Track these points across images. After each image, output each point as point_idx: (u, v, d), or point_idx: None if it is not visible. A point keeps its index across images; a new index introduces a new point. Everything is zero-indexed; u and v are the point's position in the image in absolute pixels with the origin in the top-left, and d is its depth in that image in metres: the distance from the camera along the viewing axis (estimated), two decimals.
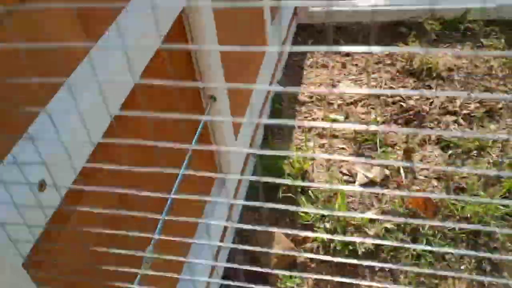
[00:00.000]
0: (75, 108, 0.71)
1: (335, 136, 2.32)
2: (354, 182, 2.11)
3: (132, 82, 0.91)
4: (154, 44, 1.03)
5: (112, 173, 0.81)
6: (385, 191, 1.40)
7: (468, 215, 1.91)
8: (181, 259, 0.87)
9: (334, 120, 2.39)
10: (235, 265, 0.69)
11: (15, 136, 0.74)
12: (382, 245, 1.86)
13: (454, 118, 2.32)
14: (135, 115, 0.67)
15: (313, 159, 2.21)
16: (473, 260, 1.82)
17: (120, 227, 0.71)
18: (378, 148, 2.21)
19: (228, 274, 1.85)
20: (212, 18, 1.50)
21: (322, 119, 2.40)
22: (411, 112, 2.33)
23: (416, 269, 0.84)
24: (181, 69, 1.49)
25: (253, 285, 0.69)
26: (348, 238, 1.31)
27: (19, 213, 0.67)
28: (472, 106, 2.36)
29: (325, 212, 0.62)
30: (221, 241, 1.88)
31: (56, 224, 0.84)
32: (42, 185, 0.76)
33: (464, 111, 2.33)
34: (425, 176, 2.08)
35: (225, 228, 1.90)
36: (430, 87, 2.49)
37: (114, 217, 0.74)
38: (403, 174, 2.08)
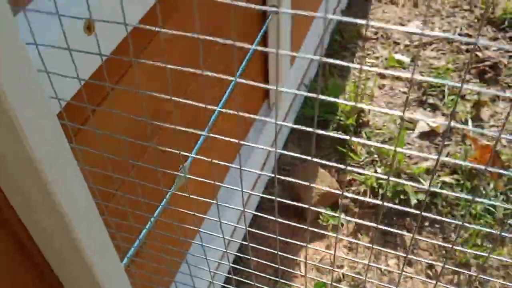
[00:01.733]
0: None
1: (398, 78, 2.11)
2: (413, 129, 1.91)
3: None
4: None
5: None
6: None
7: None
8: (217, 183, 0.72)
9: (399, 62, 2.17)
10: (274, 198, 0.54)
11: None
12: (437, 198, 1.68)
13: None
14: None
15: (372, 98, 2.02)
16: None
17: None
18: (446, 97, 1.99)
19: (262, 207, 1.72)
20: None
21: (386, 59, 2.18)
22: (486, 63, 2.09)
23: (472, 226, 0.67)
24: None
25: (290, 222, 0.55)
26: (402, 181, 1.15)
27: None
28: None
29: (385, 147, 0.46)
30: (261, 171, 1.74)
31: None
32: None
33: None
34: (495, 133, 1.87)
35: (266, 157, 1.76)
36: (511, 40, 2.23)
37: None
38: (470, 126, 1.87)
